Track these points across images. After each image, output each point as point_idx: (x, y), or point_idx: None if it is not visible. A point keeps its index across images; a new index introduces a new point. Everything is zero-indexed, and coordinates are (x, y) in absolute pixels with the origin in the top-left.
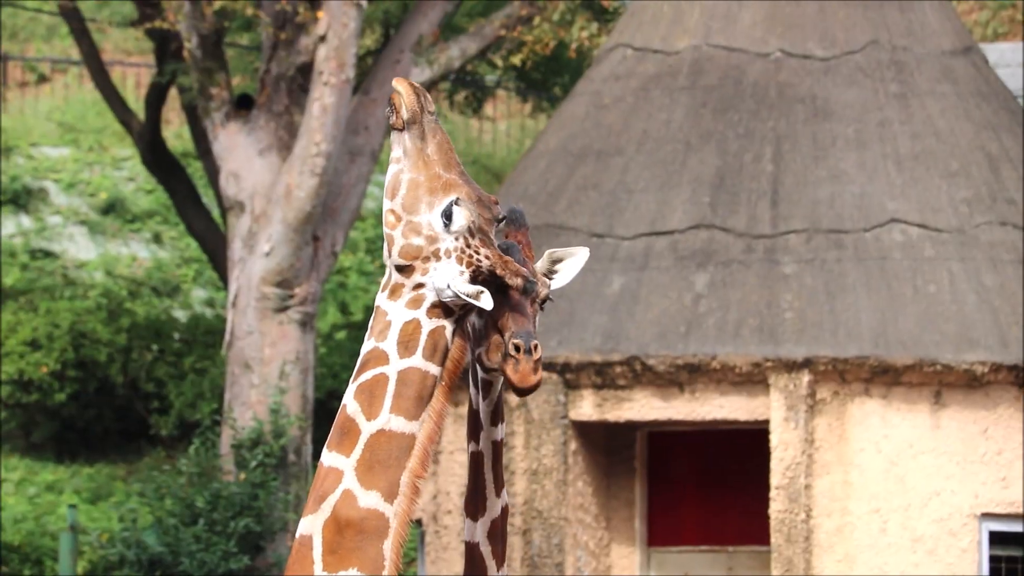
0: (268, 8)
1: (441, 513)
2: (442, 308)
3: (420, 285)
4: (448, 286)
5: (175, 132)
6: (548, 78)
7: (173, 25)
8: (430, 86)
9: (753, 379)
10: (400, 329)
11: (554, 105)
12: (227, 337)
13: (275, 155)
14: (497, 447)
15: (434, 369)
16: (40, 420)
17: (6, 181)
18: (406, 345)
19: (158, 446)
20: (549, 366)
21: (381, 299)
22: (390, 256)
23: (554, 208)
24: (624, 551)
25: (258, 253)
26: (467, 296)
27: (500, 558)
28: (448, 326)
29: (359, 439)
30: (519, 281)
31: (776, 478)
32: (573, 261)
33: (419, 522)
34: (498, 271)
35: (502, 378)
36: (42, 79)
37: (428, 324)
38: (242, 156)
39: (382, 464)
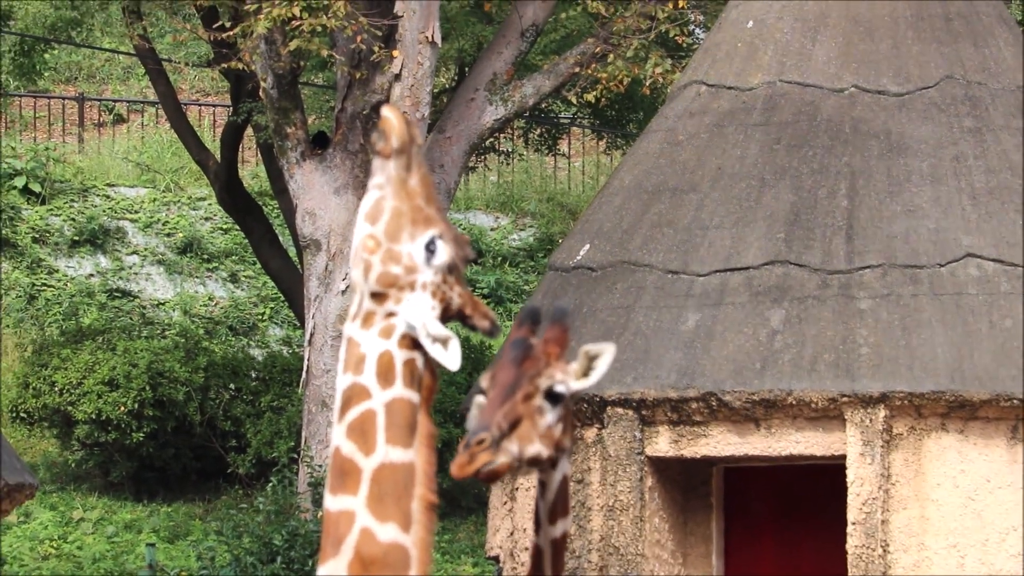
0: (343, 48)
1: (518, 550)
2: (411, 340)
3: (391, 314)
4: (424, 325)
5: (251, 171)
6: (622, 115)
7: (249, 65)
8: (504, 124)
9: (829, 414)
10: (376, 361)
11: (628, 142)
12: (304, 375)
13: (351, 194)
14: (556, 544)
15: (415, 397)
16: (118, 459)
17: (84, 221)
18: (385, 377)
19: (236, 484)
20: (625, 403)
21: (352, 328)
22: (366, 281)
23: (629, 245)
24: None
25: (334, 291)
26: (436, 339)
27: None
28: (419, 357)
29: (362, 476)
30: (486, 324)
31: (853, 513)
32: (604, 359)
33: (496, 559)
34: (467, 311)
35: (559, 478)
36: (119, 120)
37: (400, 355)
38: (318, 195)
39: (391, 496)
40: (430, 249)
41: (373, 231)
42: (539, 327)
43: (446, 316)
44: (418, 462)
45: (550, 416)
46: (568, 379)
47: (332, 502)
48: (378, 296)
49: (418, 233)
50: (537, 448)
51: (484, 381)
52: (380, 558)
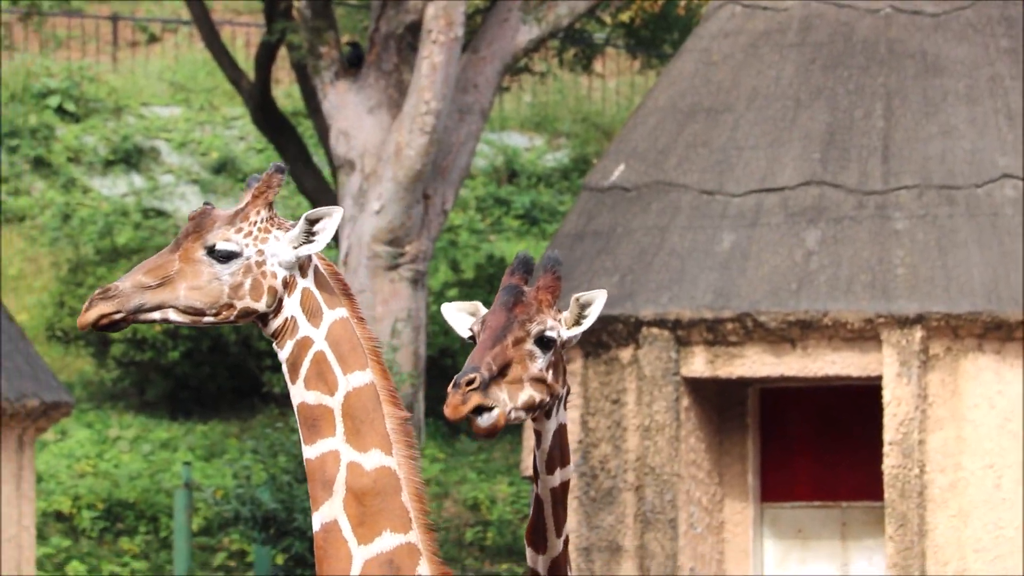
0: None
1: None
2: (305, 268)
3: (285, 281)
4: (292, 247)
5: (285, 91)
6: (657, 35)
7: None
8: (538, 44)
9: (865, 335)
10: (302, 310)
11: (663, 62)
12: None
13: (385, 113)
14: (555, 492)
15: (342, 311)
16: (154, 378)
17: (118, 140)
18: (312, 313)
19: (271, 403)
20: (660, 323)
21: (273, 326)
22: (264, 310)
23: (664, 166)
24: (737, 507)
25: (369, 211)
26: (306, 236)
27: None
28: (319, 265)
29: (334, 416)
30: (270, 189)
31: (889, 434)
32: (596, 305)
33: (531, 478)
34: (264, 203)
35: (553, 427)
36: (153, 39)
37: (308, 283)
38: (352, 115)
39: (366, 423)
40: (215, 254)
41: (211, 317)
42: (531, 276)
43: (273, 222)
44: (377, 380)
45: (541, 362)
46: (559, 326)
47: (311, 451)
48: (270, 304)
49: (203, 267)
50: (529, 393)
51: (475, 326)
52: (371, 487)
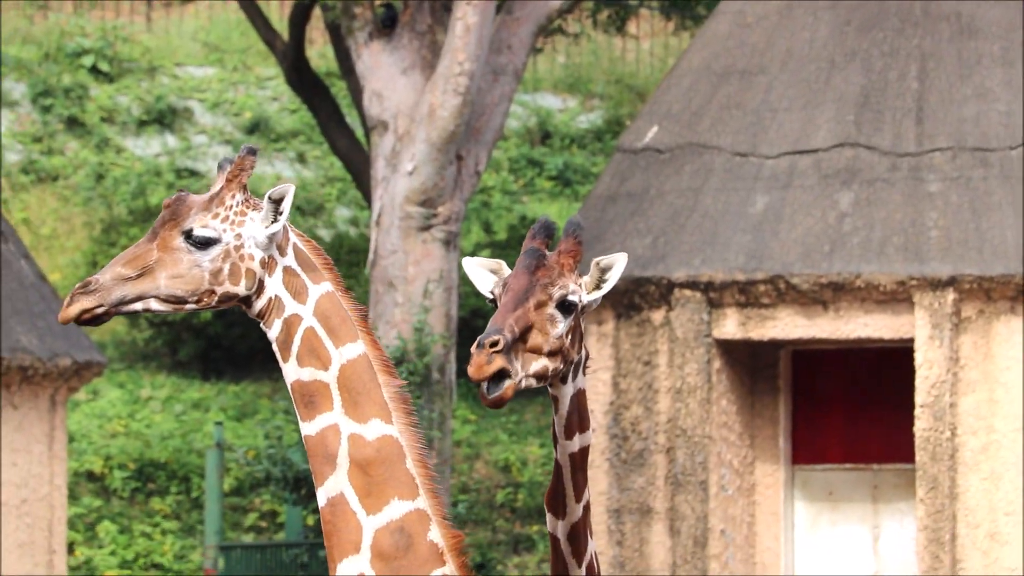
0: None
1: None
2: (279, 248)
3: (263, 262)
4: (264, 227)
5: (319, 51)
6: None
7: None
8: (572, 5)
9: (898, 297)
10: (287, 290)
11: (697, 24)
12: (371, 256)
13: (418, 74)
14: (574, 458)
15: (326, 285)
16: (186, 338)
17: (151, 101)
18: (296, 291)
19: None
20: (692, 285)
21: (256, 307)
22: (246, 291)
23: (698, 127)
24: (768, 469)
25: (401, 172)
26: (275, 216)
27: (580, 556)
28: (299, 242)
29: (331, 390)
30: (244, 172)
31: (921, 396)
32: (616, 269)
33: None
34: (238, 186)
35: (571, 392)
36: None
37: (289, 261)
38: (385, 75)
39: (363, 394)
40: (192, 240)
41: (194, 301)
42: (552, 240)
43: (249, 204)
44: (368, 351)
45: (561, 326)
46: (580, 291)
47: (310, 427)
48: (250, 287)
49: (170, 264)
50: (543, 363)
51: (496, 289)
52: (375, 457)
